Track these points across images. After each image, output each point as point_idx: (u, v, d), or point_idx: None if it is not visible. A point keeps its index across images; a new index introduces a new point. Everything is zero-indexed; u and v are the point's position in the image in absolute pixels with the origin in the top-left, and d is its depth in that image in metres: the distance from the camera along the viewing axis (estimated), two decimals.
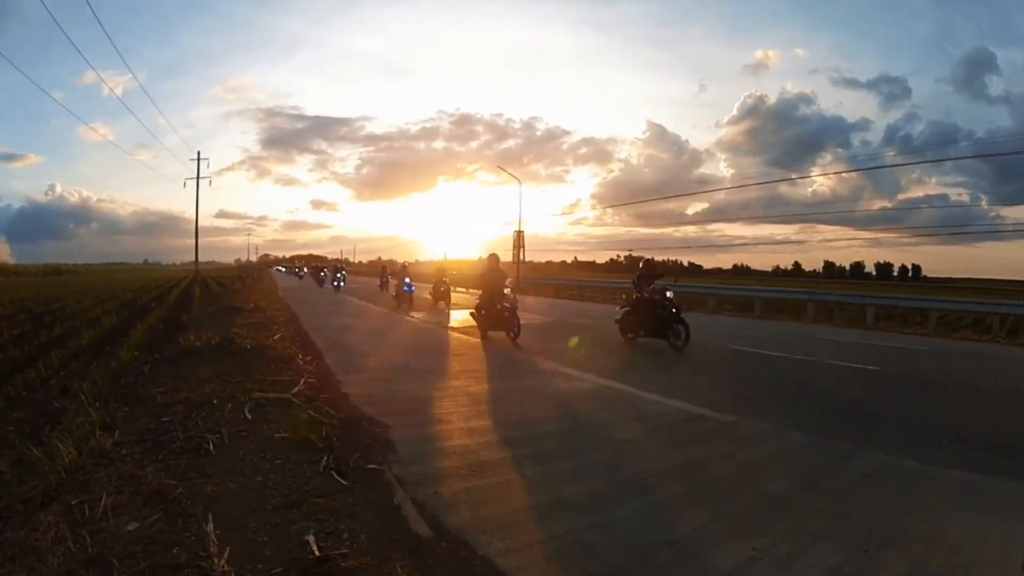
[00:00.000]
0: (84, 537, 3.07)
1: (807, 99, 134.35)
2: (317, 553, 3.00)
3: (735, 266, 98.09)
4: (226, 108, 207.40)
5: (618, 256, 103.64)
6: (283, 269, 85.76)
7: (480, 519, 3.63)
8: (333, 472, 4.22)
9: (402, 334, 13.67)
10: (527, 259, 38.52)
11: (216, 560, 2.86)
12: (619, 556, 3.25)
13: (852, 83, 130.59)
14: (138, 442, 4.79)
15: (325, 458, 4.44)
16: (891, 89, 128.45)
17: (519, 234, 38.62)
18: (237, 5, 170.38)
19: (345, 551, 3.06)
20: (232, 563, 2.88)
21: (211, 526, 3.21)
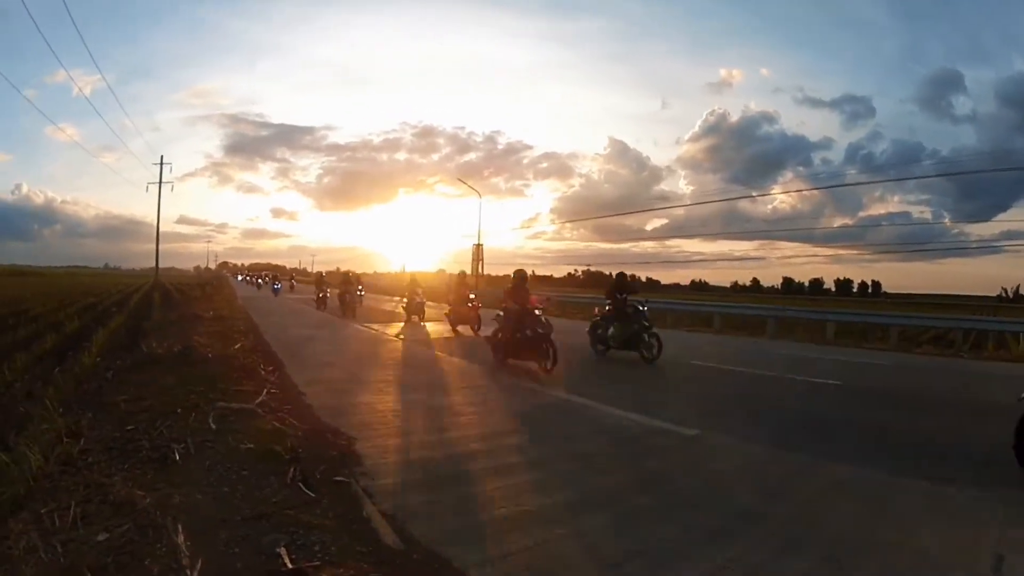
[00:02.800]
0: (56, 547, 3.05)
1: (770, 118, 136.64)
2: (290, 565, 3.03)
3: (693, 282, 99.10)
4: (191, 113, 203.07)
5: (576, 270, 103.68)
6: (248, 279, 78.41)
7: (450, 531, 3.67)
8: (300, 484, 4.23)
9: (363, 346, 13.62)
10: (486, 272, 38.53)
11: (189, 572, 2.87)
12: (590, 567, 3.32)
13: (816, 102, 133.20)
14: (104, 450, 4.74)
15: (292, 470, 4.44)
16: (855, 108, 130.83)
17: (478, 247, 38.69)
18: (206, 10, 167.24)
19: (317, 563, 3.08)
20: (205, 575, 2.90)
21: (181, 537, 3.21)
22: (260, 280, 65.12)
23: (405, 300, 21.44)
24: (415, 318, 20.47)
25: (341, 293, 21.89)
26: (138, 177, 78.32)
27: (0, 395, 6.98)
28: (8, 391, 7.18)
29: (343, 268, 30.04)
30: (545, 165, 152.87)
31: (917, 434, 6.70)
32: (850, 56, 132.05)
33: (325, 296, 26.99)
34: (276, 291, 38.33)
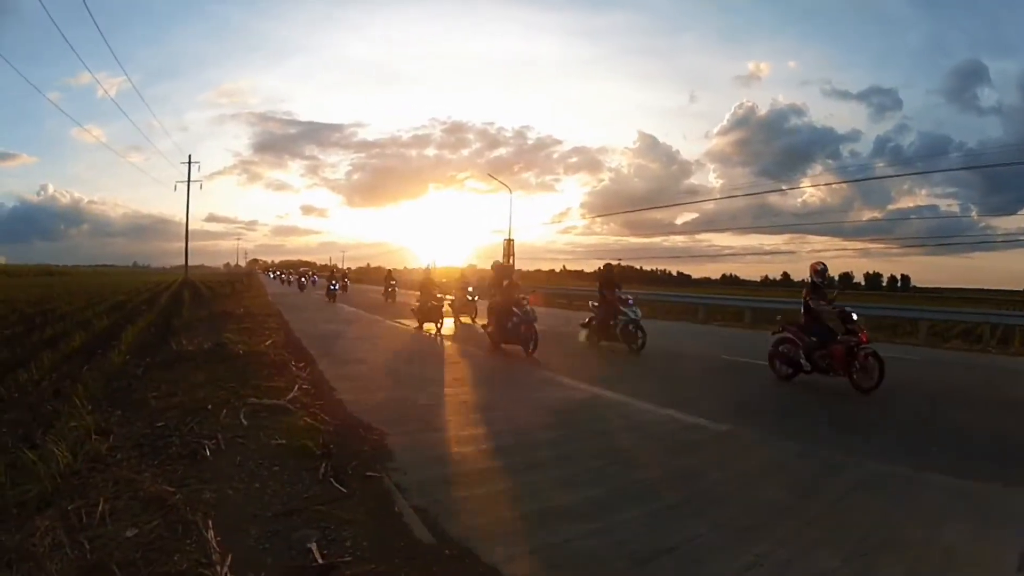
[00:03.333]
0: (83, 543, 3.04)
1: (798, 110, 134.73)
2: (321, 561, 2.99)
3: (724, 276, 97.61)
4: (219, 112, 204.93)
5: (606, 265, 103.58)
6: (283, 276, 65.01)
7: (481, 526, 3.62)
8: (332, 479, 4.20)
9: (391, 342, 13.60)
10: (517, 267, 38.25)
11: (219, 568, 2.84)
12: (621, 563, 3.25)
13: (843, 95, 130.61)
14: (134, 447, 4.76)
15: (323, 465, 4.42)
16: (882, 101, 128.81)
17: (509, 242, 38.34)
18: (231, 10, 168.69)
19: (348, 559, 3.05)
20: (234, 571, 2.86)
21: (211, 533, 3.19)
22: (303, 279, 49.02)
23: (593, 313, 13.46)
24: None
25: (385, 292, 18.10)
26: (166, 176, 79.75)
27: (28, 393, 7.02)
28: (36, 389, 7.23)
29: (373, 264, 28.20)
30: (575, 160, 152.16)
31: (944, 430, 6.57)
32: (876, 48, 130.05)
33: (440, 307, 16.07)
34: (333, 292, 30.76)
